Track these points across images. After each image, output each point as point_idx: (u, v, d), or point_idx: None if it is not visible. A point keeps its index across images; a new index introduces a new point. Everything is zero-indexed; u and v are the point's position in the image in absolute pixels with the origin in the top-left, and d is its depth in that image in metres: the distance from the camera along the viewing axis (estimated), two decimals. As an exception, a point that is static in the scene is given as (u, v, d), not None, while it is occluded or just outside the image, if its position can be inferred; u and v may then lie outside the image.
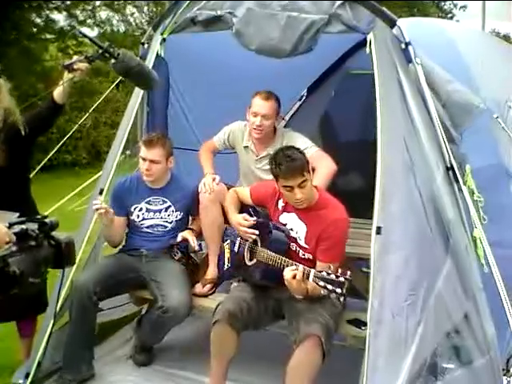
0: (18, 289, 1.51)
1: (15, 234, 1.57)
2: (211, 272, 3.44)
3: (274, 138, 3.53)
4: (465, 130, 2.89)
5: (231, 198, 3.29)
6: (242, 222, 3.13)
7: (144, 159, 3.36)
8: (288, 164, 2.81)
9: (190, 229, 3.51)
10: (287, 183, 2.84)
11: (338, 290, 2.50)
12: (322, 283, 2.55)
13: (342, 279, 2.51)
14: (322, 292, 2.54)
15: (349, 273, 2.56)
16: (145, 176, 3.41)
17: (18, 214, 1.68)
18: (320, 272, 2.59)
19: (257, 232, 3.07)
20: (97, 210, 3.22)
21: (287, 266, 2.75)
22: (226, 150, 3.80)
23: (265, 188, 3.15)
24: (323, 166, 3.28)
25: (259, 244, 3.04)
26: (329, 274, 2.55)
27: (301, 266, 2.68)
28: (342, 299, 2.53)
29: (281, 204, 3.05)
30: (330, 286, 2.52)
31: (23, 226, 1.60)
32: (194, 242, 3.41)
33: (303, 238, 2.94)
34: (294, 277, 2.67)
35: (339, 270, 2.56)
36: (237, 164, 3.80)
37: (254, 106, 3.44)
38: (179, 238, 3.43)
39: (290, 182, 2.83)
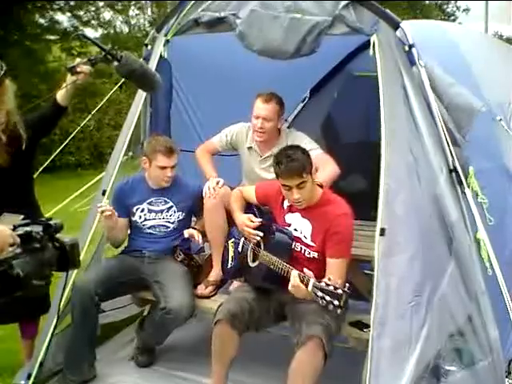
0: (21, 291, 1.50)
1: (20, 236, 1.56)
2: (214, 274, 3.44)
3: (278, 138, 3.53)
4: (468, 131, 2.88)
5: (236, 197, 3.29)
6: (247, 222, 3.12)
7: (165, 167, 3.38)
8: (287, 164, 2.82)
9: (194, 228, 3.51)
10: (285, 183, 2.87)
11: (336, 303, 2.48)
12: (320, 294, 2.53)
13: (340, 291, 2.50)
14: (320, 303, 2.53)
15: (347, 285, 2.56)
16: (165, 183, 3.44)
17: (22, 217, 1.67)
18: (319, 282, 2.57)
19: (261, 234, 3.06)
20: (102, 212, 3.22)
21: (288, 271, 2.74)
22: (225, 151, 3.79)
23: (270, 187, 3.15)
24: (326, 169, 3.28)
25: (262, 246, 3.03)
26: (328, 284, 2.54)
27: (297, 279, 2.66)
28: (339, 311, 2.52)
29: (286, 204, 3.04)
30: (327, 298, 2.50)
31: (28, 229, 1.59)
32: (199, 238, 3.40)
33: (309, 236, 2.93)
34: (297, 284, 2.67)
35: (338, 282, 2.56)
36: (238, 166, 3.79)
37: (255, 109, 3.45)
38: (186, 235, 3.42)
39: (288, 181, 2.85)
